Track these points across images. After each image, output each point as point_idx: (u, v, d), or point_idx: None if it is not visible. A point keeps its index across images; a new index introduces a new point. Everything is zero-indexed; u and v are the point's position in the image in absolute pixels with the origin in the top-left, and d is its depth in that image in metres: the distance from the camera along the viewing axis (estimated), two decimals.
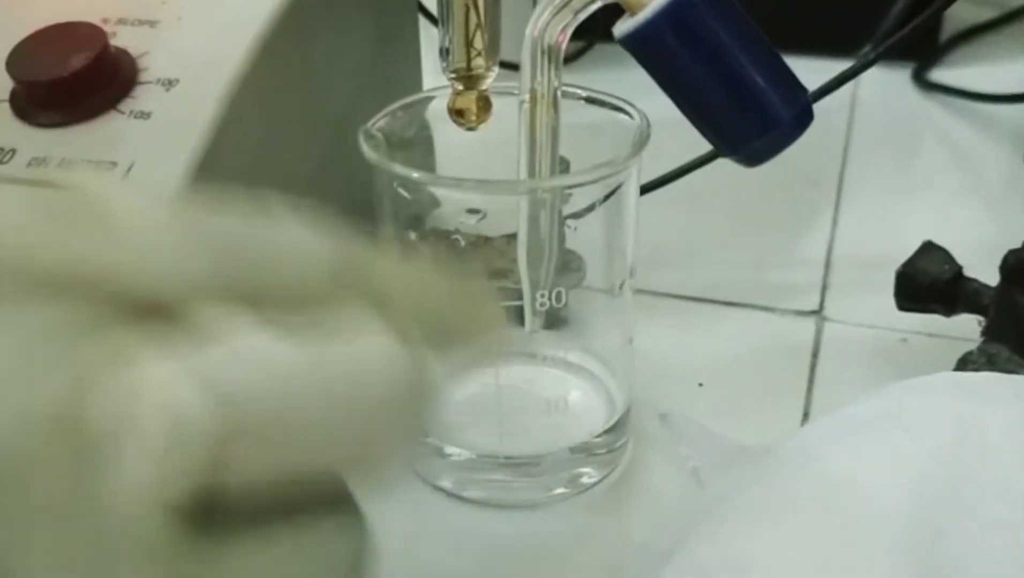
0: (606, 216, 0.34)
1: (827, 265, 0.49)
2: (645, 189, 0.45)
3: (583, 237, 0.36)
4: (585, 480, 0.36)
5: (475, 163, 0.36)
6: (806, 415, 0.40)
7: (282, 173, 0.39)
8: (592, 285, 0.37)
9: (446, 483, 0.36)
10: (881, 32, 0.70)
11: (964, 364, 0.37)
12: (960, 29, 0.73)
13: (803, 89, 0.31)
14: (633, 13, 0.29)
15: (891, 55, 0.71)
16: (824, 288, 0.47)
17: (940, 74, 0.69)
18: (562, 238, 0.35)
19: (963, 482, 0.26)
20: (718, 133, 0.31)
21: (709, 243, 0.51)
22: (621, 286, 0.35)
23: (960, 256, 0.40)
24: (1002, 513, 0.25)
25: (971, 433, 0.28)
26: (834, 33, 0.68)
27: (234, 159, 0.35)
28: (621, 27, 0.30)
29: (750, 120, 0.30)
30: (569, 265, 0.37)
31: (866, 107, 0.63)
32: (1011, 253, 0.36)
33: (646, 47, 0.30)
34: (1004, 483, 0.26)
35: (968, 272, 0.39)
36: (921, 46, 0.69)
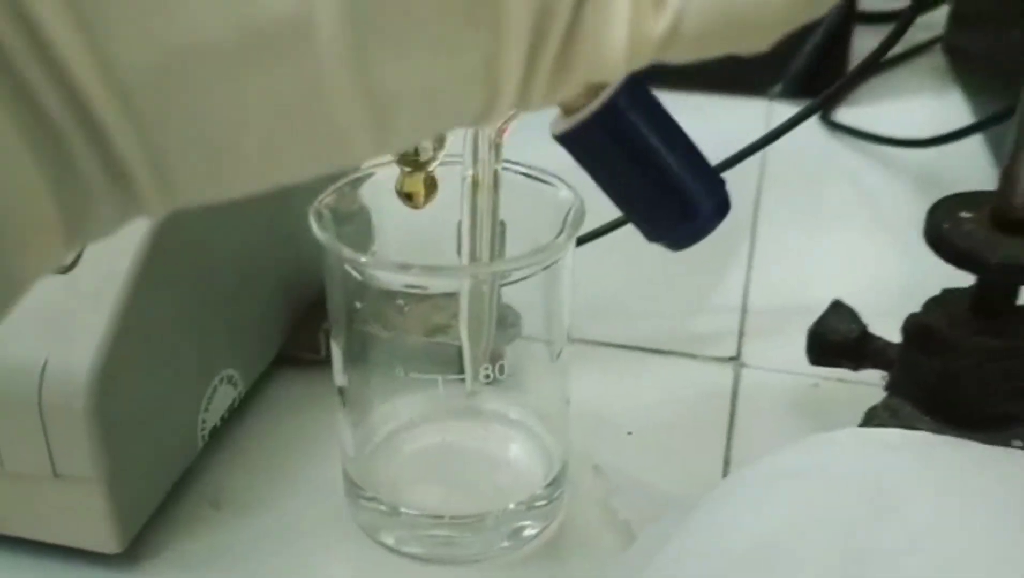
0: (544, 287, 0.37)
1: (743, 311, 0.52)
2: (577, 242, 0.47)
3: (520, 295, 0.38)
4: (527, 533, 0.38)
5: (412, 226, 0.38)
6: (727, 461, 0.43)
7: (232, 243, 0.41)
8: (530, 337, 0.39)
9: (388, 539, 0.38)
10: (791, 72, 0.74)
11: (870, 418, 0.40)
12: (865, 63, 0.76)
13: (721, 181, 0.33)
14: (568, 114, 0.32)
15: (797, 92, 0.74)
16: (741, 334, 0.50)
17: (846, 112, 0.72)
18: (499, 296, 0.37)
19: (879, 538, 0.28)
20: (645, 222, 0.33)
21: (635, 291, 0.54)
22: (559, 354, 0.38)
23: (869, 300, 0.44)
24: (915, 568, 0.27)
25: (882, 489, 0.29)
26: (743, 72, 0.71)
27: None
28: (556, 126, 0.32)
29: (674, 212, 0.32)
30: (506, 320, 0.40)
31: (775, 149, 0.66)
32: (911, 317, 0.39)
33: (579, 146, 0.32)
34: (916, 537, 0.27)
35: (876, 316, 0.43)
36: (826, 84, 0.73)
